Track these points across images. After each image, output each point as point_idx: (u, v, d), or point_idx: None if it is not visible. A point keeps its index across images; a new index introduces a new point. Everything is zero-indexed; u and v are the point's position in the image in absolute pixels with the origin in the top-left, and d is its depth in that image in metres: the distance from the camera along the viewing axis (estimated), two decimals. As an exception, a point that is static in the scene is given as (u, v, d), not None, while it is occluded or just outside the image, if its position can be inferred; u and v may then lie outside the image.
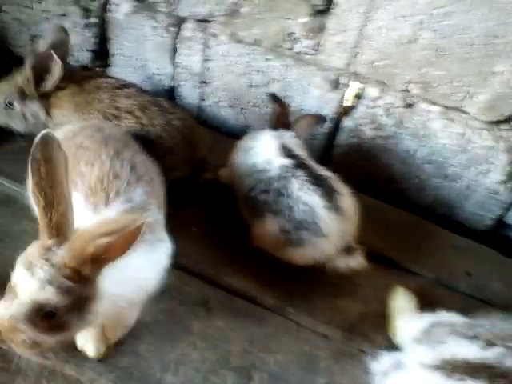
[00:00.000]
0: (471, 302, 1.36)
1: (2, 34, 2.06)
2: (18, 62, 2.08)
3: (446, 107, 1.56)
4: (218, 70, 1.79)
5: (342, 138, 1.77)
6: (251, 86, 1.78)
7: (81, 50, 1.95)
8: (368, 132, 1.71)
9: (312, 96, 1.71)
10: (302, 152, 1.39)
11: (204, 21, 1.70)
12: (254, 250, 1.26)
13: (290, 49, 1.65)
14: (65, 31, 1.53)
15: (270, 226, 1.25)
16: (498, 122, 1.52)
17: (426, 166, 1.71)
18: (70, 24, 1.91)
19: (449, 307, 1.09)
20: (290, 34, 1.62)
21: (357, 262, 1.26)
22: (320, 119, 1.60)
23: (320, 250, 1.23)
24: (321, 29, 1.57)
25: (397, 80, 1.57)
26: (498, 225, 1.73)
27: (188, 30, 1.74)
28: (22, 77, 1.45)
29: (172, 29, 1.76)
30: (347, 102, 1.68)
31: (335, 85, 1.65)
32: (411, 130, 1.65)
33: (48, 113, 1.46)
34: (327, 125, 1.73)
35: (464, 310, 1.07)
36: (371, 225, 1.45)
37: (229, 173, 1.46)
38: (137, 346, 0.98)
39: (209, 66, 1.79)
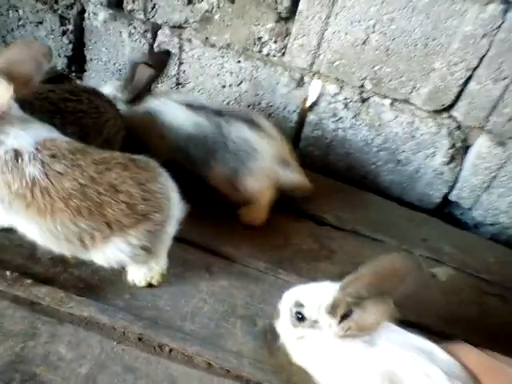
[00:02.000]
0: (428, 262, 1.58)
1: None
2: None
3: (396, 100, 1.82)
4: (192, 72, 1.94)
5: (308, 131, 1.98)
6: (224, 86, 1.95)
7: (58, 56, 2.04)
8: (330, 125, 1.93)
9: (279, 94, 1.90)
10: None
11: (179, 27, 1.87)
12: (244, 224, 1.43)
13: (259, 51, 1.85)
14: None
15: (220, 171, 1.46)
16: (440, 111, 1.79)
17: (381, 153, 1.95)
18: (46, 31, 2.01)
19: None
20: (259, 38, 1.81)
21: (295, 175, 1.55)
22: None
23: (264, 171, 1.47)
24: (286, 33, 1.78)
25: (353, 77, 1.80)
26: (444, 202, 2.00)
27: (164, 35, 1.89)
28: None
29: (148, 35, 1.90)
30: (310, 98, 1.89)
31: (300, 83, 1.86)
32: (367, 122, 1.88)
33: None
34: (294, 119, 1.94)
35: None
36: (339, 203, 1.68)
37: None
38: (157, 302, 1.12)
39: (184, 68, 1.95)
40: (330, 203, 1.75)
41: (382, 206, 1.88)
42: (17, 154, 0.98)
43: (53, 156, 0.98)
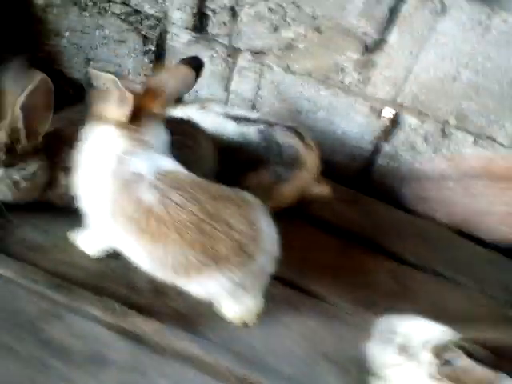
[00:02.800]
0: None
1: (56, 56, 2.18)
2: (70, 83, 2.21)
3: (480, 137, 1.77)
4: (270, 97, 1.95)
5: (382, 162, 1.95)
6: (300, 112, 1.95)
7: (137, 75, 2.09)
8: (407, 157, 1.90)
9: (357, 123, 1.88)
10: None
11: (261, 53, 1.87)
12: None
13: (340, 81, 1.83)
14: None
15: (264, 176, 1.50)
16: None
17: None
18: (129, 50, 2.05)
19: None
20: (342, 68, 1.80)
21: (324, 189, 1.63)
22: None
23: (303, 181, 1.54)
24: (371, 64, 1.76)
25: (438, 112, 1.76)
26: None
27: (245, 60, 1.90)
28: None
29: (230, 59, 1.91)
30: (388, 129, 1.86)
31: (380, 114, 1.84)
32: (447, 157, 1.84)
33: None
34: (369, 149, 1.92)
35: None
36: (415, 239, 1.65)
37: None
38: (249, 339, 1.13)
39: (262, 94, 1.95)
40: (406, 239, 1.72)
41: (458, 243, 1.82)
42: (137, 178, 0.99)
43: (172, 187, 0.99)
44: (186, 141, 1.28)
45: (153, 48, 2.01)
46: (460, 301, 1.48)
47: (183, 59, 1.25)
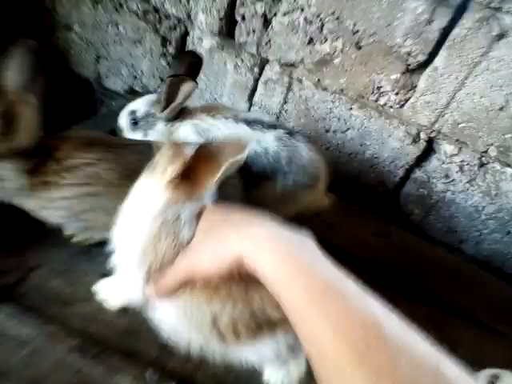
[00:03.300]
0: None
1: (64, 51, 2.01)
2: (77, 80, 2.05)
3: (521, 171, 1.66)
4: (296, 112, 1.81)
5: (412, 188, 1.83)
6: (328, 131, 1.81)
7: (152, 77, 1.93)
8: (439, 185, 1.78)
9: (390, 147, 1.76)
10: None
11: (290, 65, 1.73)
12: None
13: (376, 101, 1.70)
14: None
15: (282, 185, 1.37)
16: None
17: (489, 221, 1.79)
18: (144, 50, 1.89)
19: None
20: (379, 87, 1.67)
21: (326, 201, 1.51)
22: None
23: (316, 196, 1.45)
24: (411, 86, 1.63)
25: (478, 142, 1.64)
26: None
27: (272, 72, 1.75)
28: None
29: (256, 69, 1.77)
30: (422, 155, 1.74)
31: (416, 139, 1.71)
32: (483, 188, 1.73)
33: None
34: (400, 174, 1.80)
35: None
36: (450, 281, 1.54)
37: None
38: None
39: (287, 107, 1.81)
40: (442, 281, 1.60)
41: (496, 286, 1.71)
42: (178, 221, 0.85)
43: None
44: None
45: (171, 50, 1.85)
46: (501, 350, 1.38)
47: (182, 53, 1.09)
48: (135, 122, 1.38)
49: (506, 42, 1.43)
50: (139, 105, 1.40)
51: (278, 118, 1.84)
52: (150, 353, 0.98)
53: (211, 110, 1.43)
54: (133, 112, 1.40)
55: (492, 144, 1.63)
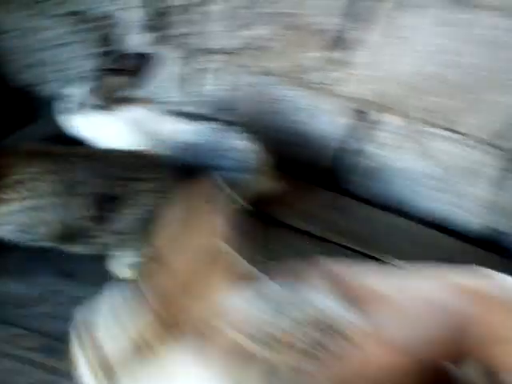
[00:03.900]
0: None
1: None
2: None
3: (446, 129, 1.81)
4: (242, 99, 1.88)
5: (352, 159, 1.95)
6: (265, 113, 1.90)
7: (89, 80, 1.94)
8: (374, 152, 1.91)
9: (325, 121, 1.87)
10: None
11: (229, 53, 1.80)
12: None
13: (310, 79, 1.80)
14: None
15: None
16: (489, 140, 1.79)
17: (425, 181, 1.93)
18: (81, 52, 1.91)
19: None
20: (313, 66, 1.77)
21: (277, 185, 1.57)
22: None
23: (258, 184, 1.48)
24: (341, 62, 1.74)
25: (404, 107, 1.78)
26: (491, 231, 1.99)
27: (215, 62, 1.82)
28: None
29: (190, 60, 1.83)
30: (358, 127, 1.87)
31: (348, 112, 1.83)
32: (416, 150, 1.87)
33: None
34: (337, 146, 1.91)
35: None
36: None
37: None
38: None
39: (223, 95, 1.88)
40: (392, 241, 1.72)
41: (439, 239, 1.87)
42: None
43: None
44: None
45: (108, 50, 1.88)
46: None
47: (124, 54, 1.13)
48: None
49: (422, 13, 1.56)
50: (76, 92, 1.43)
51: (221, 107, 1.90)
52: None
53: (146, 102, 1.48)
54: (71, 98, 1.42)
55: (418, 108, 1.77)
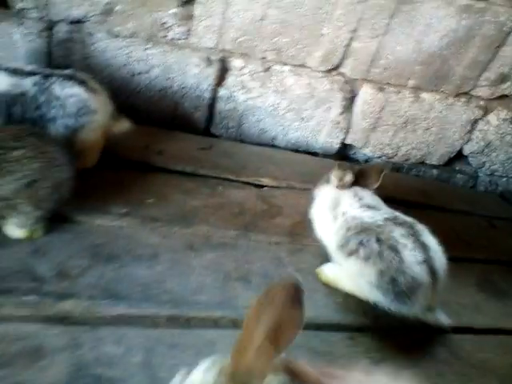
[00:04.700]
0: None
1: None
2: None
3: (295, 65, 2.06)
4: (98, 64, 1.93)
5: (221, 106, 2.13)
6: (133, 75, 1.98)
7: None
8: (240, 96, 2.11)
9: (191, 74, 2.01)
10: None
11: (78, 22, 1.82)
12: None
13: (165, 37, 1.91)
14: None
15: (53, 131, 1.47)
16: (331, 70, 2.09)
17: (287, 114, 2.20)
18: None
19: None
20: (163, 23, 1.88)
21: (125, 124, 1.64)
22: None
23: (97, 125, 1.54)
24: (190, 16, 1.87)
25: (256, 50, 1.99)
26: (343, 147, 2.36)
27: (63, 32, 1.83)
28: None
29: (45, 33, 1.82)
30: (220, 75, 2.04)
31: (209, 62, 1.99)
32: (273, 89, 2.10)
33: None
34: (207, 96, 2.08)
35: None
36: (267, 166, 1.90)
37: None
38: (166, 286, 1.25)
39: (89, 62, 1.92)
40: (262, 167, 1.97)
41: (301, 160, 2.16)
42: None
43: None
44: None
45: None
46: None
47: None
48: None
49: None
50: None
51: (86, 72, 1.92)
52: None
53: None
54: None
55: (266, 49, 1.99)
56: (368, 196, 1.47)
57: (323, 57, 2.03)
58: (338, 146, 2.33)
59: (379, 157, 2.41)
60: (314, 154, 2.32)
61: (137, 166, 1.71)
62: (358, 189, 1.50)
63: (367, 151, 2.38)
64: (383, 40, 2.01)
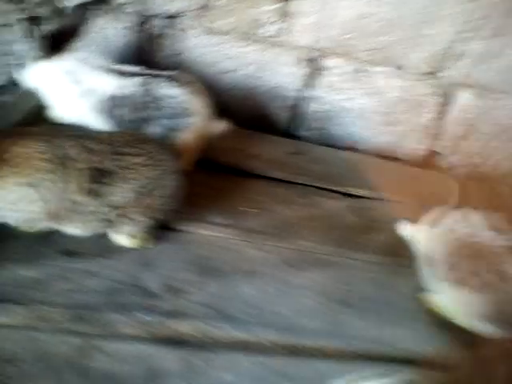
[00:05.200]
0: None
1: None
2: None
3: (389, 67, 1.94)
4: (188, 61, 1.88)
5: (308, 107, 2.05)
6: (225, 72, 1.93)
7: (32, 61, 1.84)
8: (329, 97, 2.02)
9: (283, 73, 1.93)
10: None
11: (172, 17, 1.78)
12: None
13: (260, 34, 1.84)
14: None
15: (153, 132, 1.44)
16: (428, 73, 1.96)
17: (375, 117, 2.09)
18: (16, 34, 1.79)
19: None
20: (260, 20, 1.80)
21: (223, 125, 1.60)
22: None
23: (197, 127, 1.51)
24: (287, 14, 1.79)
25: (353, 50, 1.89)
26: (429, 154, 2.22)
27: (156, 27, 1.79)
28: None
29: (138, 28, 1.79)
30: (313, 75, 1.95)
31: (300, 61, 1.91)
32: (365, 90, 2.00)
33: None
34: (299, 96, 1.99)
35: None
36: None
37: None
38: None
39: (178, 59, 1.88)
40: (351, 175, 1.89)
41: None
42: None
43: None
44: None
45: (48, 28, 1.78)
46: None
47: None
48: None
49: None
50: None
51: (174, 68, 1.89)
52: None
53: (81, 56, 1.47)
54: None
55: (364, 50, 1.88)
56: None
57: (421, 59, 1.91)
58: (424, 152, 2.21)
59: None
60: (398, 159, 2.22)
61: (231, 170, 1.67)
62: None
63: (454, 159, 2.24)
64: (491, 43, 1.86)
